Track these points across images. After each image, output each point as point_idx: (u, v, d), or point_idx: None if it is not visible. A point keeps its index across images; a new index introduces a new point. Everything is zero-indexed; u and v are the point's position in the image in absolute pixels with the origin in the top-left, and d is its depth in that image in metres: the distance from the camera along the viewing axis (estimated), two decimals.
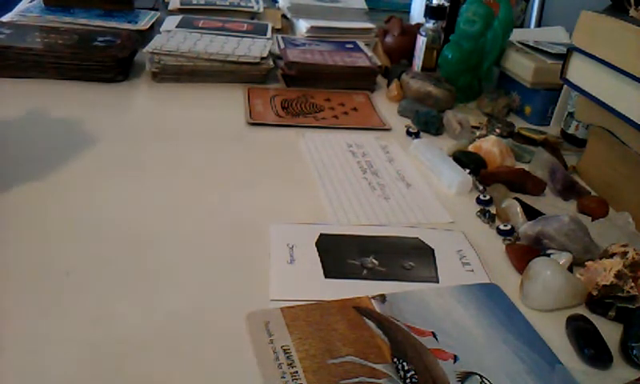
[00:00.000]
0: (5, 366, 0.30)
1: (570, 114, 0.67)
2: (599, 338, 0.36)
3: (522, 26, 1.07)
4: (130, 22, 0.84)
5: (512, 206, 0.49)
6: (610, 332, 0.37)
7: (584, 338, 0.36)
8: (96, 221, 0.43)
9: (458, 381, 0.32)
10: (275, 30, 0.93)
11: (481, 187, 0.54)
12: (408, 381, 0.31)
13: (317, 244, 0.43)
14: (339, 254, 0.42)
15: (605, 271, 0.39)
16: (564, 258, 0.42)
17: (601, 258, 0.42)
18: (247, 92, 0.72)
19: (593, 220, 0.49)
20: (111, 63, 0.69)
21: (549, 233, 0.44)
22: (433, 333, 0.35)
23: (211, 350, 0.32)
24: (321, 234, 0.44)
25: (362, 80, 0.79)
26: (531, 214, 0.49)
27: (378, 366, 0.32)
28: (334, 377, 0.31)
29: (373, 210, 0.49)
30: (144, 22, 0.85)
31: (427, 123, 0.67)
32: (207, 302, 0.36)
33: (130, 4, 0.90)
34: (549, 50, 0.73)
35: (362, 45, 0.89)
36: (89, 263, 0.38)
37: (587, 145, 0.61)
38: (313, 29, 0.94)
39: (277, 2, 1.12)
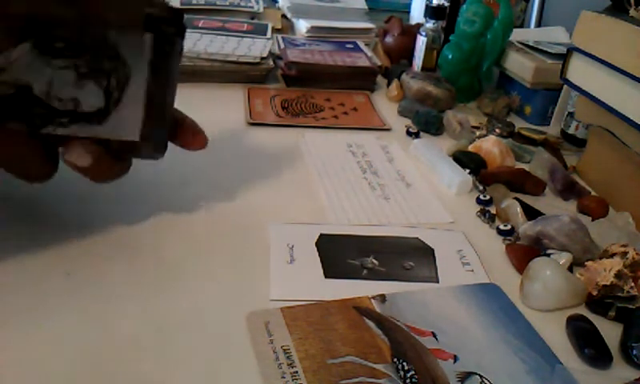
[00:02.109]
0: (5, 366, 0.30)
1: (570, 114, 0.67)
2: (599, 338, 0.36)
3: (522, 26, 1.07)
4: None
5: (512, 205, 0.49)
6: (610, 332, 0.37)
7: (584, 338, 0.36)
8: (94, 220, 0.43)
9: (458, 381, 0.32)
10: (275, 30, 0.93)
11: (481, 187, 0.54)
12: (408, 381, 0.31)
13: (317, 244, 0.43)
14: (339, 254, 0.42)
15: (605, 271, 0.39)
16: (564, 258, 0.42)
17: (601, 258, 0.42)
18: (247, 92, 0.72)
19: (593, 220, 0.49)
20: None
21: (549, 233, 0.44)
22: (433, 333, 0.35)
23: (211, 350, 0.32)
24: (321, 234, 0.44)
25: (362, 80, 0.79)
26: (531, 214, 0.49)
27: (378, 366, 0.32)
28: (334, 377, 0.31)
29: (373, 210, 0.49)
30: None
31: (427, 123, 0.67)
32: (207, 301, 0.36)
33: None
34: (549, 50, 0.73)
35: (362, 45, 0.89)
36: (88, 263, 0.38)
37: (587, 145, 0.61)
38: (313, 29, 0.94)
39: (277, 1, 1.12)
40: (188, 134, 0.44)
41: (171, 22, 0.38)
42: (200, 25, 0.86)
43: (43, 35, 0.35)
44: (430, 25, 0.81)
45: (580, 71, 0.58)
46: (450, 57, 0.76)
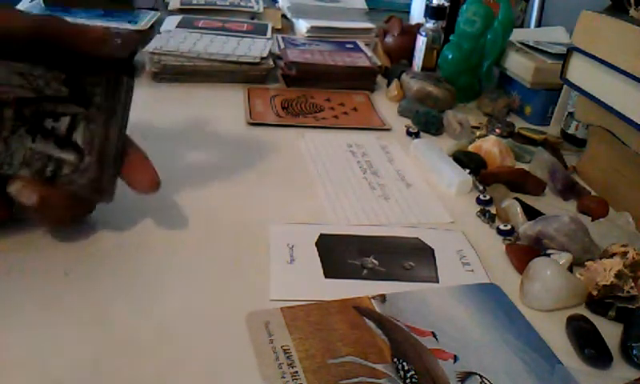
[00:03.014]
0: (4, 366, 0.30)
1: (570, 114, 0.67)
2: (599, 338, 0.36)
3: (522, 26, 1.07)
4: (129, 22, 0.84)
5: (512, 205, 0.49)
6: (610, 332, 0.37)
7: (584, 338, 0.36)
8: (93, 220, 0.43)
9: (458, 381, 0.32)
10: (275, 30, 0.93)
11: (481, 187, 0.54)
12: (408, 381, 0.31)
13: (317, 244, 0.43)
14: (339, 254, 0.42)
15: (605, 271, 0.39)
16: (564, 258, 0.42)
17: (601, 258, 0.42)
18: (247, 92, 0.72)
19: (593, 220, 0.49)
20: None
21: (549, 233, 0.44)
22: (433, 333, 0.35)
23: (211, 350, 0.32)
24: (321, 234, 0.44)
25: (362, 80, 0.79)
26: (531, 214, 0.49)
27: (378, 366, 0.32)
28: (334, 377, 0.31)
29: (373, 210, 0.49)
30: (144, 22, 0.85)
31: (427, 123, 0.67)
32: (207, 301, 0.36)
33: (130, 4, 0.90)
34: (549, 50, 0.73)
35: (362, 45, 0.89)
36: (88, 263, 0.38)
37: (587, 145, 0.61)
38: (313, 29, 0.94)
39: (277, 1, 1.12)
40: (135, 170, 0.39)
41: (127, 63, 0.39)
42: (200, 25, 0.86)
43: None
44: (430, 25, 0.81)
45: (580, 71, 0.58)
46: (450, 57, 0.76)
